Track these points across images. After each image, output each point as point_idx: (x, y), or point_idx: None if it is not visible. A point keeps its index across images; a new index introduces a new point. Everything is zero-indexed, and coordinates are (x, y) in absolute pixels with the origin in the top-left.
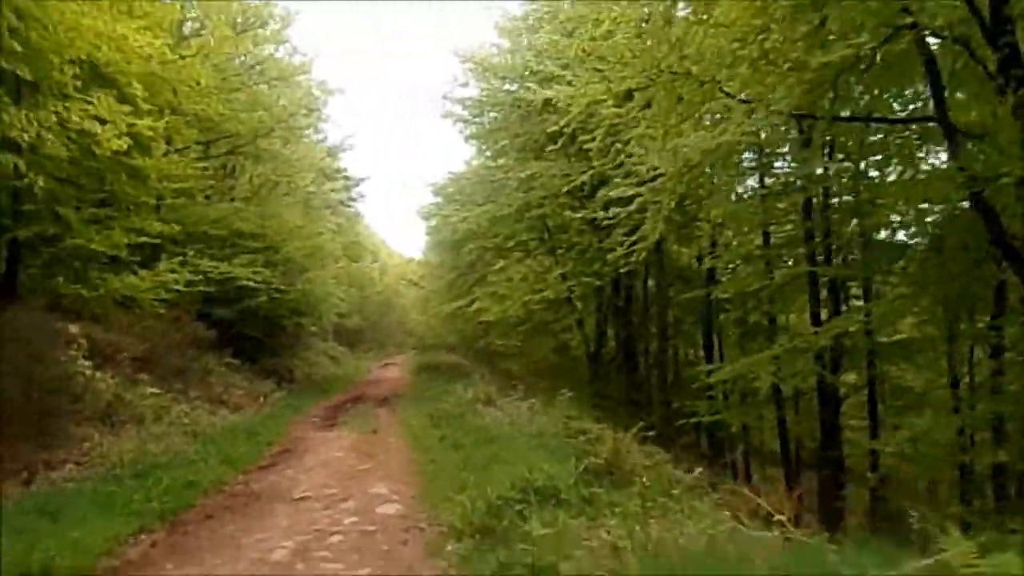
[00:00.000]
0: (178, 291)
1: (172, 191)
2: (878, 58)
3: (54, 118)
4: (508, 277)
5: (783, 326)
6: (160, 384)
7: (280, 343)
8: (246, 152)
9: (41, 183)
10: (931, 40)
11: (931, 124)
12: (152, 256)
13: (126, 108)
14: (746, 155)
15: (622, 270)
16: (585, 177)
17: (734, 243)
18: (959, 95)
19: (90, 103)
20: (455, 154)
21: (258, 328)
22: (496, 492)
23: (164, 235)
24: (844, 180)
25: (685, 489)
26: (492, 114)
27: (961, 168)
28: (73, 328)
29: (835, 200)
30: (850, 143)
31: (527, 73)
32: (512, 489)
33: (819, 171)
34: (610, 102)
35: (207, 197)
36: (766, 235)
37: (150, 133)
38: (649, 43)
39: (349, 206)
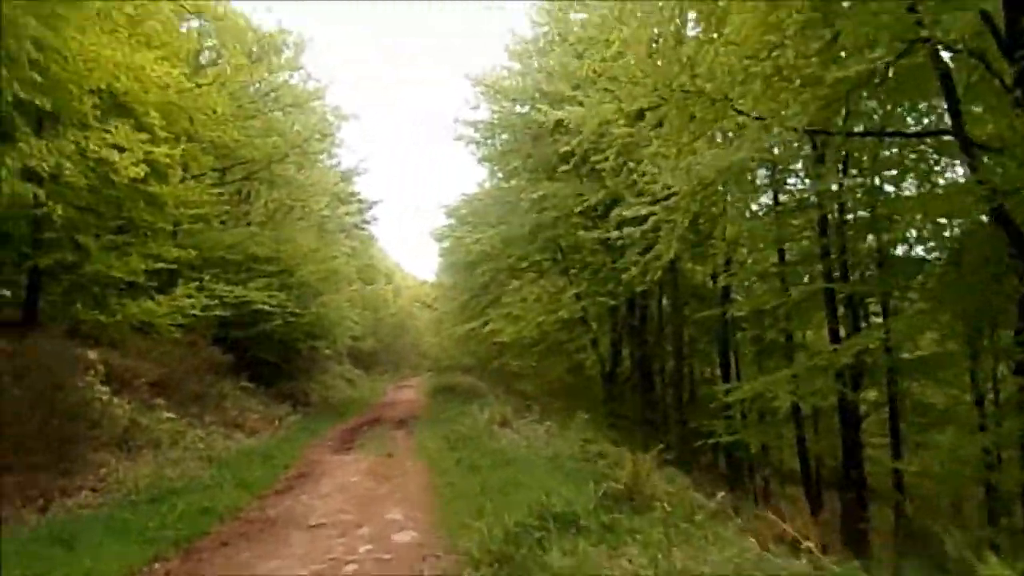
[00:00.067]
0: (194, 316)
1: (189, 217)
2: (892, 73)
3: (73, 147)
4: (522, 298)
5: (800, 343)
6: (176, 409)
7: (296, 367)
8: (261, 177)
9: (60, 211)
10: (945, 54)
11: (947, 138)
12: (169, 281)
13: (144, 136)
14: (760, 172)
15: (637, 289)
16: (598, 197)
17: (749, 261)
18: (975, 108)
19: (108, 132)
20: (468, 178)
21: (273, 352)
22: (514, 518)
23: (181, 260)
24: (859, 196)
25: (708, 515)
26: (504, 136)
27: (980, 181)
28: (91, 354)
29: (851, 216)
30: (864, 158)
31: (538, 95)
32: (530, 515)
33: (834, 187)
34: (622, 122)
35: (223, 222)
36: (781, 252)
37: (167, 160)
38: (660, 62)
39: (363, 229)
